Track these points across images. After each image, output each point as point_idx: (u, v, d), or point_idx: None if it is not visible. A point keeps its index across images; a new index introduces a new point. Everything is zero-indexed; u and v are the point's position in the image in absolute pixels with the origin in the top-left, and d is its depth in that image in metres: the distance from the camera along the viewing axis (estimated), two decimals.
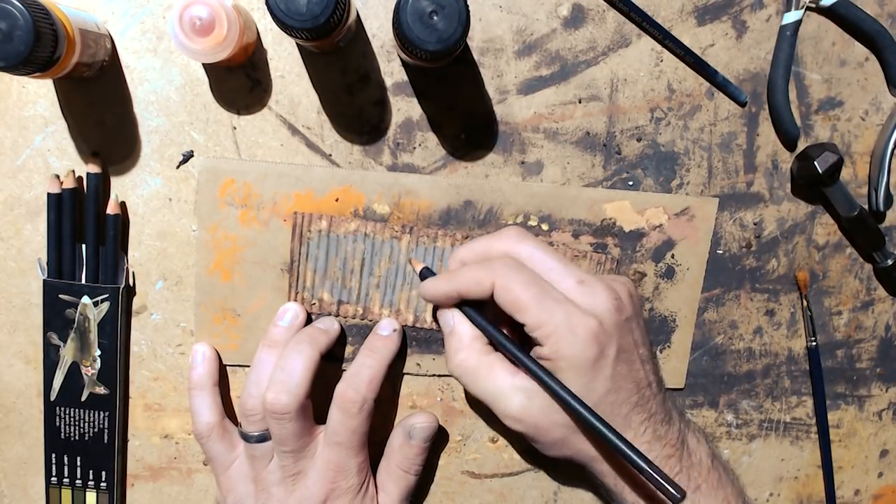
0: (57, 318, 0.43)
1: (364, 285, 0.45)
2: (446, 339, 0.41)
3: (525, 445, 0.48)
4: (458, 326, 0.40)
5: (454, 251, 0.42)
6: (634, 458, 0.36)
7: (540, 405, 0.38)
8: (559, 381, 0.37)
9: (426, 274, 0.42)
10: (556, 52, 0.43)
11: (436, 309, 0.42)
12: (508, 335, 0.40)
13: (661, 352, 0.48)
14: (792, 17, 0.44)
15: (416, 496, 0.47)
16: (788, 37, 0.44)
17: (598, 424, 0.36)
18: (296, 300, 0.44)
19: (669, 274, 0.47)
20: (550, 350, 0.37)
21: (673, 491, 0.35)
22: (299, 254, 0.44)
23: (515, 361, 0.39)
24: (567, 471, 0.49)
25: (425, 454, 0.44)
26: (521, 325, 0.38)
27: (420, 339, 0.46)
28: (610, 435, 0.36)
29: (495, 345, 0.40)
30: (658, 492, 0.36)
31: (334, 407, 0.41)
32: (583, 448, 0.40)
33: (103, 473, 0.45)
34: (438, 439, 0.47)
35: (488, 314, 0.40)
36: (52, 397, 0.44)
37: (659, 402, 0.40)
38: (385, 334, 0.43)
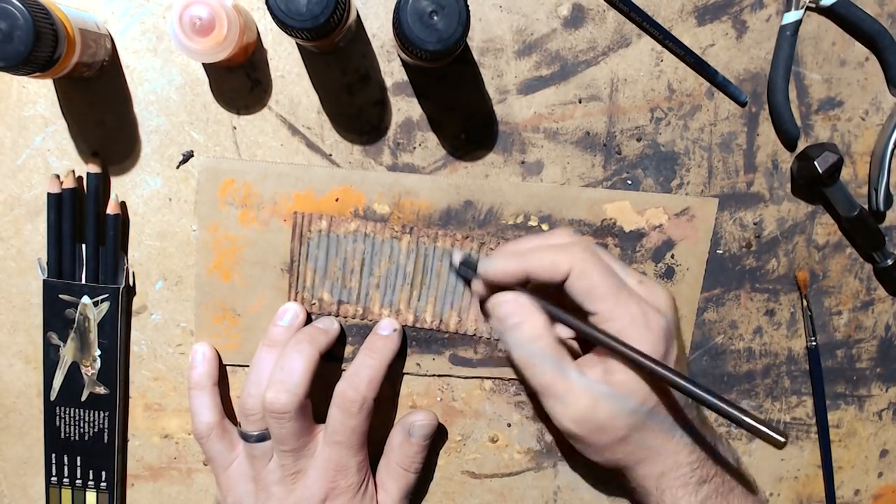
0: (57, 318, 0.43)
1: (364, 285, 0.45)
2: (514, 328, 0.38)
3: (525, 446, 0.48)
4: (536, 312, 0.38)
5: (500, 248, 0.41)
6: (734, 412, 0.34)
7: (606, 409, 0.37)
8: (651, 357, 0.36)
9: (467, 260, 0.41)
10: (556, 52, 0.43)
11: (483, 302, 0.40)
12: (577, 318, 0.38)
13: None
14: (792, 17, 0.44)
15: (415, 496, 0.47)
16: (788, 37, 0.44)
17: (695, 389, 0.35)
18: (296, 300, 0.44)
19: (669, 274, 0.47)
20: None
21: (777, 436, 0.34)
22: (299, 254, 0.44)
23: (595, 341, 0.37)
24: (567, 472, 0.49)
25: (425, 452, 0.44)
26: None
27: (420, 339, 0.46)
28: (709, 397, 0.35)
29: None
30: (762, 440, 0.34)
31: (334, 406, 0.41)
32: (636, 448, 0.39)
33: (103, 473, 0.45)
34: (438, 438, 0.47)
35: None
36: (52, 397, 0.44)
37: (694, 405, 0.41)
38: (385, 334, 0.43)
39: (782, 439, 0.34)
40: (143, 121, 0.42)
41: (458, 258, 0.42)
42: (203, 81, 0.42)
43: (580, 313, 0.38)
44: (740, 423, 0.34)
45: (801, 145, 0.46)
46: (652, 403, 0.38)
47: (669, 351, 0.38)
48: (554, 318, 0.39)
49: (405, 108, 0.43)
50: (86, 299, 0.42)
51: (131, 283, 0.44)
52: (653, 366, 0.36)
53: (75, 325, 0.43)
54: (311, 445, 0.41)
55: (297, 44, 0.42)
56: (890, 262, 0.47)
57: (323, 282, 0.45)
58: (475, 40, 0.43)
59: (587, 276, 0.37)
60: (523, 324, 0.38)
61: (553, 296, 0.38)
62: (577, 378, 0.37)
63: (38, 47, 0.33)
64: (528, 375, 0.39)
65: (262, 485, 0.42)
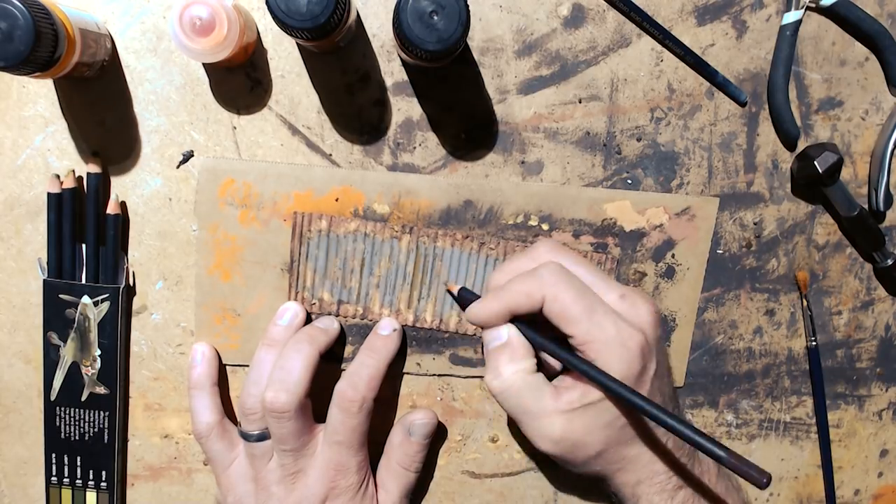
0: (57, 318, 0.43)
1: (364, 285, 0.45)
2: (494, 352, 0.39)
3: (526, 447, 0.48)
4: (514, 341, 0.39)
5: (490, 276, 0.41)
6: (715, 449, 0.35)
7: (582, 425, 0.38)
8: (628, 387, 0.36)
9: (466, 295, 0.42)
10: (556, 51, 0.43)
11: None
12: (560, 345, 0.39)
13: None
14: (792, 17, 0.44)
15: (415, 495, 0.47)
16: (788, 37, 0.44)
17: (672, 422, 0.35)
18: (296, 300, 0.44)
19: (669, 273, 0.47)
20: (599, 364, 0.37)
21: (758, 475, 0.34)
22: (299, 254, 0.44)
23: (575, 370, 0.38)
24: (567, 472, 0.49)
25: (425, 451, 0.44)
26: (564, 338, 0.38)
27: (420, 339, 0.46)
28: (688, 431, 0.35)
29: (540, 360, 0.40)
30: (742, 478, 0.34)
31: (334, 406, 0.41)
32: (612, 459, 0.39)
33: (103, 473, 0.45)
34: (438, 438, 0.47)
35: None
36: (52, 397, 0.44)
37: (672, 406, 0.41)
38: (385, 334, 0.43)
39: (764, 479, 0.33)
40: (143, 121, 0.42)
41: (456, 289, 0.44)
42: (203, 81, 0.42)
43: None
44: (719, 459, 0.34)
45: (801, 145, 0.46)
46: (626, 419, 0.38)
47: (647, 367, 0.38)
48: (535, 345, 0.39)
49: (405, 108, 0.43)
50: (86, 299, 0.42)
51: (131, 283, 0.44)
52: (625, 394, 0.36)
53: (75, 325, 0.43)
54: (311, 445, 0.41)
55: (297, 44, 0.42)
56: (890, 262, 0.47)
57: (323, 282, 0.45)
58: (475, 40, 0.43)
59: (559, 300, 0.37)
60: (504, 349, 0.39)
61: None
62: (550, 402, 0.38)
63: (38, 47, 0.33)
64: (502, 399, 0.39)
65: (262, 484, 0.42)
